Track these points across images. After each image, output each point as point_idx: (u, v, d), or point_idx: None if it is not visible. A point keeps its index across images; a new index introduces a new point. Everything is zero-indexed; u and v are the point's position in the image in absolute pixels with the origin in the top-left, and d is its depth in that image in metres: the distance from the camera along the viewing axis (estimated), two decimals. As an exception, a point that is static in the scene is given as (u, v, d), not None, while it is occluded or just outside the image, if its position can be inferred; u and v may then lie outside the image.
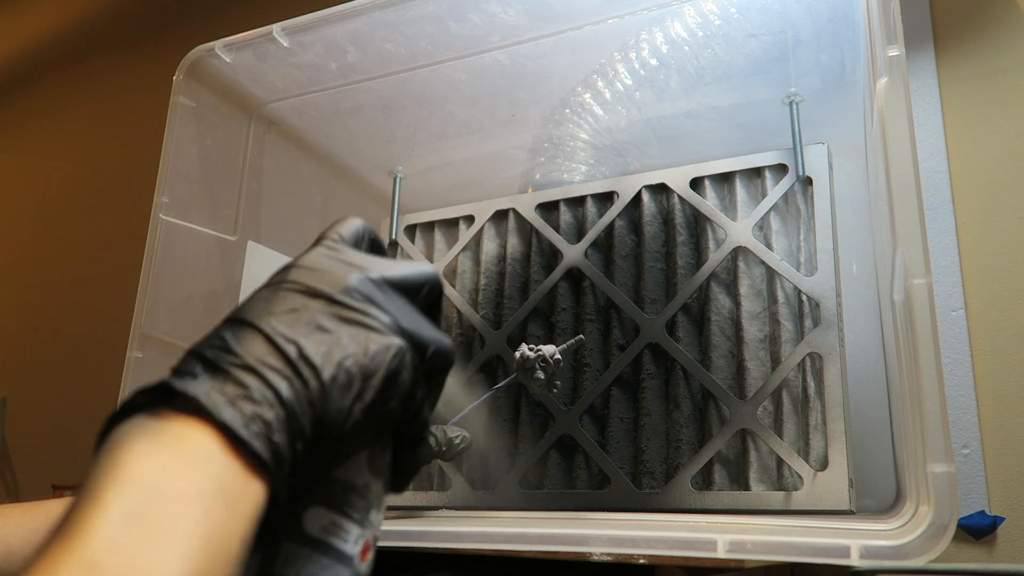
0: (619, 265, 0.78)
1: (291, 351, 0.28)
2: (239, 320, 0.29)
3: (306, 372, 0.27)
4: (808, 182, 0.72)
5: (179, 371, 0.27)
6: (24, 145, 1.82)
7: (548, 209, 0.84)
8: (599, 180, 0.84)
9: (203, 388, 0.26)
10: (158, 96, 0.88)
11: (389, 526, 0.57)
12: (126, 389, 0.74)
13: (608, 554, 0.51)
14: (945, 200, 0.79)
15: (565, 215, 0.82)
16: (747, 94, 0.79)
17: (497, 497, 0.73)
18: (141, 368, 0.75)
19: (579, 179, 0.88)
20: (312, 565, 0.29)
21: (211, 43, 0.80)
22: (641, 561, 0.51)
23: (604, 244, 0.80)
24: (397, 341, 0.30)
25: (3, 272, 1.71)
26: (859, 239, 0.76)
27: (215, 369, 0.27)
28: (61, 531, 0.22)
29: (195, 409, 0.25)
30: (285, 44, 0.78)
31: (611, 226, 0.79)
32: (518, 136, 0.90)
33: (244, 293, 0.85)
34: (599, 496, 0.70)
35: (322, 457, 0.29)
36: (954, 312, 0.76)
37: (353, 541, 0.31)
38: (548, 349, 0.66)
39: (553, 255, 0.82)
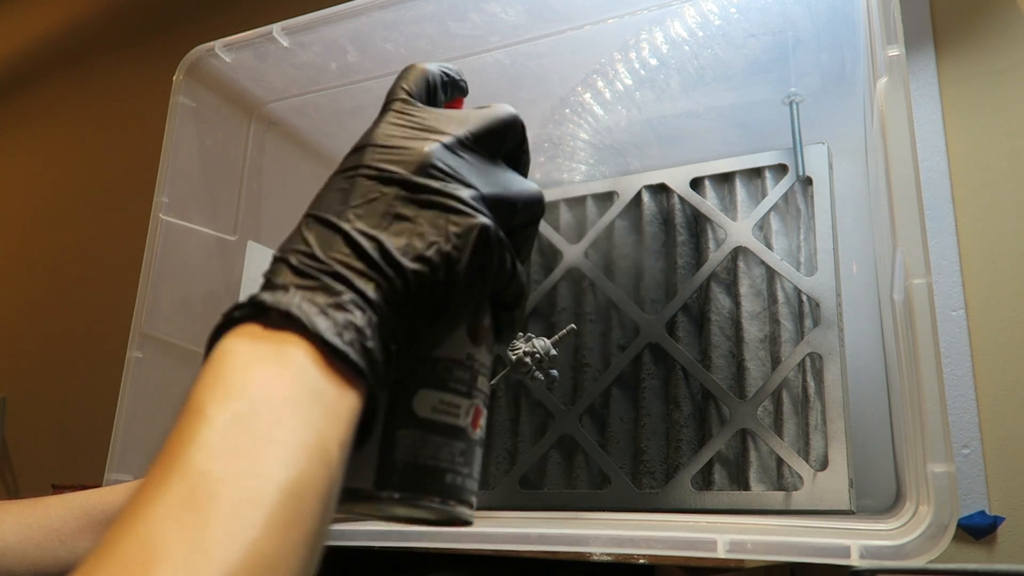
0: (619, 265, 0.78)
1: (372, 250, 0.27)
2: (318, 218, 0.29)
3: (389, 271, 0.27)
4: (808, 182, 0.72)
5: (270, 282, 0.28)
6: (24, 145, 1.82)
7: (548, 209, 0.84)
8: (599, 180, 0.84)
9: (295, 300, 0.26)
10: (158, 96, 0.88)
11: (389, 526, 0.57)
12: (126, 389, 0.74)
13: (608, 554, 0.51)
14: (945, 200, 0.79)
15: (565, 215, 0.82)
16: (747, 94, 0.79)
17: (497, 497, 0.73)
18: (141, 368, 0.75)
19: (579, 179, 0.88)
20: (428, 446, 0.30)
21: (211, 43, 0.80)
22: (641, 561, 0.51)
23: (604, 244, 0.80)
24: (479, 219, 0.29)
25: (3, 272, 1.71)
26: (859, 239, 0.76)
27: (303, 276, 0.27)
28: (168, 444, 0.23)
29: (289, 321, 0.26)
30: (285, 44, 0.77)
31: (611, 226, 0.79)
32: (518, 136, 0.90)
33: (244, 293, 0.85)
34: (599, 496, 0.70)
35: (421, 344, 0.29)
36: (954, 312, 0.76)
37: (464, 414, 0.31)
38: (540, 342, 0.66)
39: (553, 255, 0.82)
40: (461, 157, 0.30)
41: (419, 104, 0.33)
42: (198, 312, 0.82)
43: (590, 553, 0.51)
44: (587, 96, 0.82)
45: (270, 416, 0.23)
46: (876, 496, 0.69)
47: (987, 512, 0.71)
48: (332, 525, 0.25)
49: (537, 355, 0.66)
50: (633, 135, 0.86)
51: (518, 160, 0.34)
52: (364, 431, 0.28)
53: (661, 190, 0.79)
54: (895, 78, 0.52)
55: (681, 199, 0.77)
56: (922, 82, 0.82)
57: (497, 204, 0.30)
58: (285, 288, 0.27)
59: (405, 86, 0.33)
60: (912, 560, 0.43)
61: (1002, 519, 0.71)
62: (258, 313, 0.26)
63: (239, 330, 0.26)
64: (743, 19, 0.70)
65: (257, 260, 0.87)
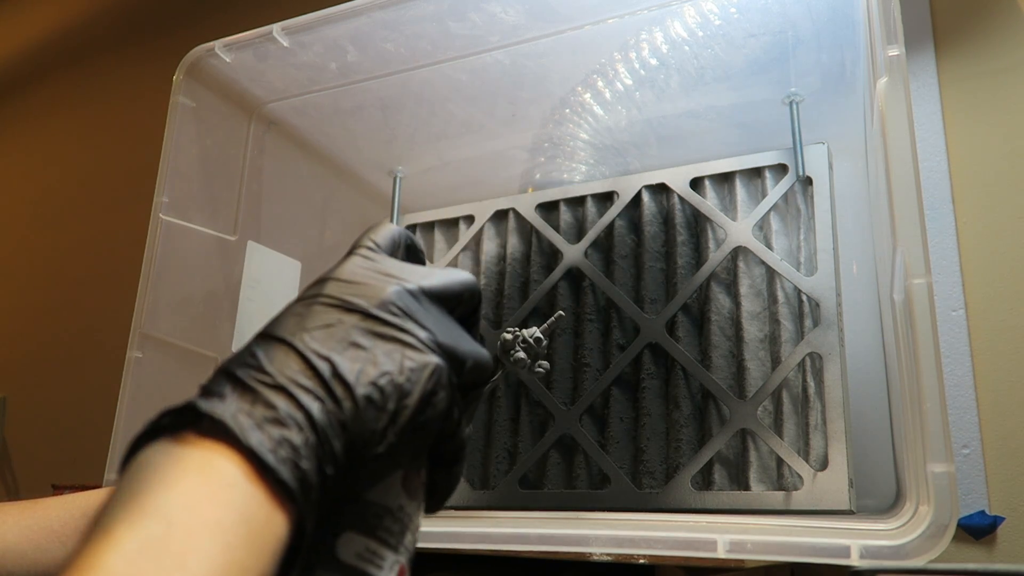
0: (619, 265, 0.78)
1: (324, 369, 0.27)
2: (271, 336, 0.28)
3: (339, 391, 0.27)
4: (808, 182, 0.72)
5: (207, 390, 0.26)
6: (24, 145, 1.82)
7: (548, 209, 0.84)
8: (599, 180, 0.84)
9: (230, 410, 0.25)
10: (158, 96, 0.88)
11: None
12: (126, 389, 0.74)
13: (608, 554, 0.51)
14: (945, 200, 0.79)
15: (565, 215, 0.82)
16: (747, 94, 0.79)
17: (497, 497, 0.73)
18: (141, 368, 0.75)
19: (579, 179, 0.88)
20: None
21: (211, 43, 0.80)
22: (641, 561, 0.51)
23: (604, 244, 0.80)
24: (434, 359, 0.29)
25: (3, 272, 1.71)
26: (859, 239, 0.76)
27: (244, 388, 0.26)
28: (71, 565, 0.21)
29: (221, 432, 0.24)
30: (285, 44, 0.77)
31: (611, 226, 0.79)
32: (518, 136, 0.90)
33: (244, 293, 0.85)
34: (599, 496, 0.70)
35: (355, 479, 0.28)
36: (954, 312, 0.76)
37: (388, 568, 0.30)
38: (527, 331, 0.66)
39: (553, 255, 0.82)
40: (420, 303, 0.31)
41: (383, 255, 0.33)
42: (198, 312, 0.82)
43: (590, 553, 0.51)
44: (587, 96, 0.82)
45: (186, 542, 0.22)
46: (876, 496, 0.69)
47: (987, 512, 0.71)
48: None
49: (524, 342, 0.65)
50: (633, 135, 0.86)
51: (472, 325, 0.35)
52: (287, 565, 0.26)
53: (661, 190, 0.79)
54: (895, 78, 0.52)
55: (681, 199, 0.77)
56: (922, 82, 0.82)
57: (449, 355, 0.30)
58: (222, 397, 0.26)
59: (373, 236, 0.34)
60: (912, 560, 0.43)
61: (1002, 519, 0.71)
62: (189, 421, 0.25)
63: (166, 440, 0.25)
64: (743, 19, 0.70)
65: (257, 260, 0.87)
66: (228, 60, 0.80)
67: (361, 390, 0.27)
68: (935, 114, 0.81)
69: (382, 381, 0.28)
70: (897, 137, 0.51)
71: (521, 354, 0.65)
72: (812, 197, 0.71)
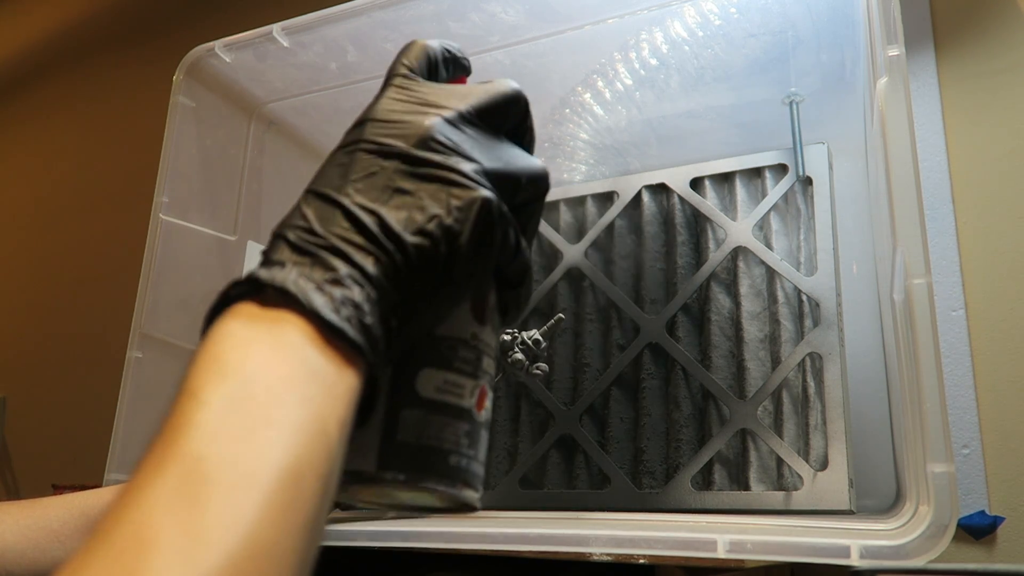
0: (619, 265, 0.78)
1: (372, 224, 0.27)
2: (317, 193, 0.28)
3: (389, 245, 0.27)
4: (808, 182, 0.72)
5: (267, 258, 0.27)
6: (24, 145, 1.82)
7: (548, 209, 0.84)
8: (599, 180, 0.84)
9: (291, 276, 0.25)
10: (158, 96, 0.88)
11: (389, 526, 0.57)
12: (126, 389, 0.74)
13: (608, 554, 0.51)
14: (945, 200, 0.79)
15: (565, 215, 0.82)
16: (747, 94, 0.79)
17: (497, 497, 0.73)
18: (141, 368, 0.75)
19: (579, 179, 0.88)
20: (432, 426, 0.29)
21: (211, 43, 0.80)
22: (641, 561, 0.51)
23: (604, 244, 0.80)
24: (482, 192, 0.28)
25: (3, 272, 1.71)
26: (859, 239, 0.76)
27: (301, 252, 0.26)
28: (163, 428, 0.22)
29: (285, 298, 0.25)
30: (285, 44, 0.77)
31: (611, 226, 0.79)
32: (518, 136, 0.90)
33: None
34: (599, 496, 0.70)
35: (423, 320, 0.28)
36: (954, 312, 0.76)
37: (468, 394, 0.30)
38: (527, 333, 0.66)
39: (553, 255, 0.82)
40: (463, 131, 0.30)
41: (420, 79, 0.32)
42: (198, 312, 0.82)
43: (590, 553, 0.51)
44: (587, 96, 0.82)
45: (266, 397, 0.23)
46: (876, 496, 0.69)
47: (987, 512, 0.71)
48: (334, 513, 0.25)
49: (523, 344, 0.65)
50: (633, 135, 0.86)
51: (522, 136, 0.34)
52: (365, 411, 0.27)
53: (661, 190, 0.79)
54: (895, 78, 0.52)
55: (681, 199, 0.77)
56: (922, 82, 0.82)
57: (500, 179, 0.30)
58: (282, 264, 0.26)
59: (406, 61, 0.33)
60: (912, 560, 0.43)
61: (1002, 519, 0.71)
62: (254, 290, 0.26)
63: (235, 309, 0.26)
64: (743, 19, 0.70)
65: (257, 260, 0.87)
66: (228, 60, 0.80)
67: (410, 239, 0.27)
68: (935, 114, 0.81)
69: (430, 226, 0.27)
70: (897, 137, 0.51)
71: (519, 355, 0.65)
72: (812, 197, 0.71)
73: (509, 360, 0.65)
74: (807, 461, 0.63)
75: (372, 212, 0.27)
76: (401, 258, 0.27)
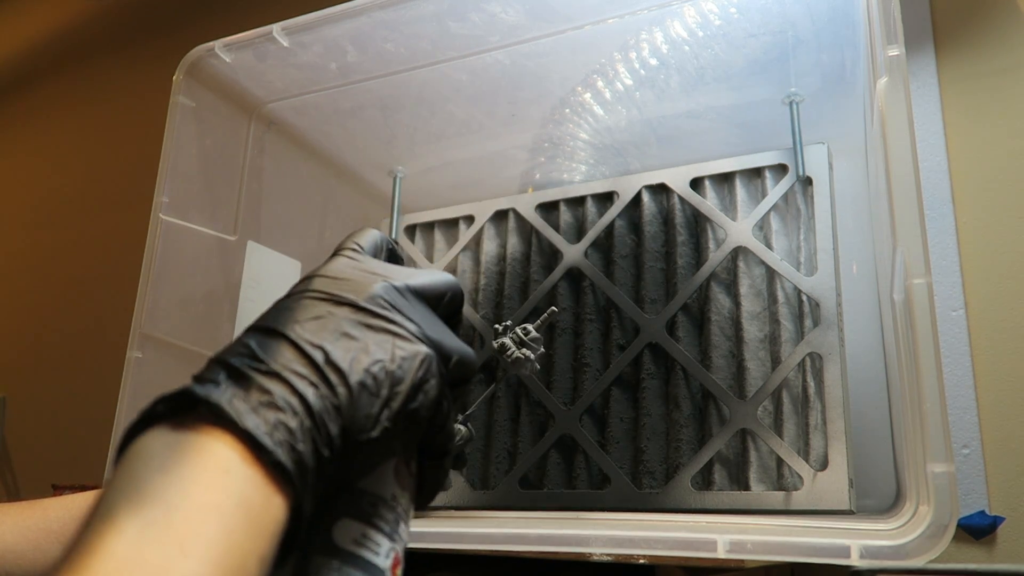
0: (619, 265, 0.78)
1: (318, 357, 0.27)
2: (263, 328, 0.29)
3: (333, 378, 0.27)
4: (808, 182, 0.72)
5: (201, 378, 0.26)
6: (24, 145, 1.82)
7: (548, 209, 0.84)
8: (599, 180, 0.84)
9: (226, 395, 0.25)
10: (158, 96, 0.88)
11: (389, 526, 0.57)
12: (126, 389, 0.74)
13: (608, 554, 0.51)
14: (945, 200, 0.79)
15: (565, 215, 0.82)
16: (747, 94, 0.79)
17: (497, 497, 0.73)
18: (141, 368, 0.75)
19: (579, 179, 0.88)
20: None
21: (211, 43, 0.80)
22: (641, 561, 0.51)
23: (604, 244, 0.80)
24: (424, 348, 0.30)
25: (3, 272, 1.71)
26: (859, 239, 0.76)
27: (239, 376, 0.26)
28: (73, 551, 0.21)
29: (217, 417, 0.25)
30: (285, 44, 0.77)
31: (611, 226, 0.79)
32: (518, 136, 0.90)
33: (244, 293, 0.85)
34: (599, 496, 0.70)
35: (350, 466, 0.28)
36: (954, 312, 0.76)
37: (384, 554, 0.30)
38: (522, 329, 0.66)
39: (553, 255, 0.82)
40: (406, 299, 0.32)
41: (367, 256, 0.34)
42: (198, 312, 0.82)
43: (590, 553, 0.51)
44: (587, 96, 0.82)
45: (186, 525, 0.22)
46: (876, 496, 0.69)
47: (987, 512, 0.71)
48: None
49: (521, 342, 0.65)
50: (633, 135, 0.86)
51: (454, 324, 0.35)
52: (285, 549, 0.26)
53: (661, 190, 0.79)
54: (895, 78, 0.52)
55: (681, 199, 0.77)
56: (922, 82, 0.82)
57: (436, 348, 0.31)
58: (216, 383, 0.26)
59: (356, 239, 0.35)
60: (912, 560, 0.43)
61: (1002, 519, 0.71)
62: (184, 407, 0.25)
63: (162, 427, 0.25)
64: (743, 19, 0.70)
65: (257, 260, 0.87)
66: (228, 60, 0.80)
67: (355, 376, 0.28)
68: (935, 114, 0.81)
69: (375, 368, 0.28)
70: (897, 137, 0.51)
71: (526, 352, 0.65)
72: (812, 197, 0.71)
73: (511, 359, 0.65)
74: (807, 461, 0.63)
75: (319, 347, 0.28)
76: (344, 392, 0.27)
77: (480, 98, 0.85)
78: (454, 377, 0.32)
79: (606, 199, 0.81)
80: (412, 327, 0.31)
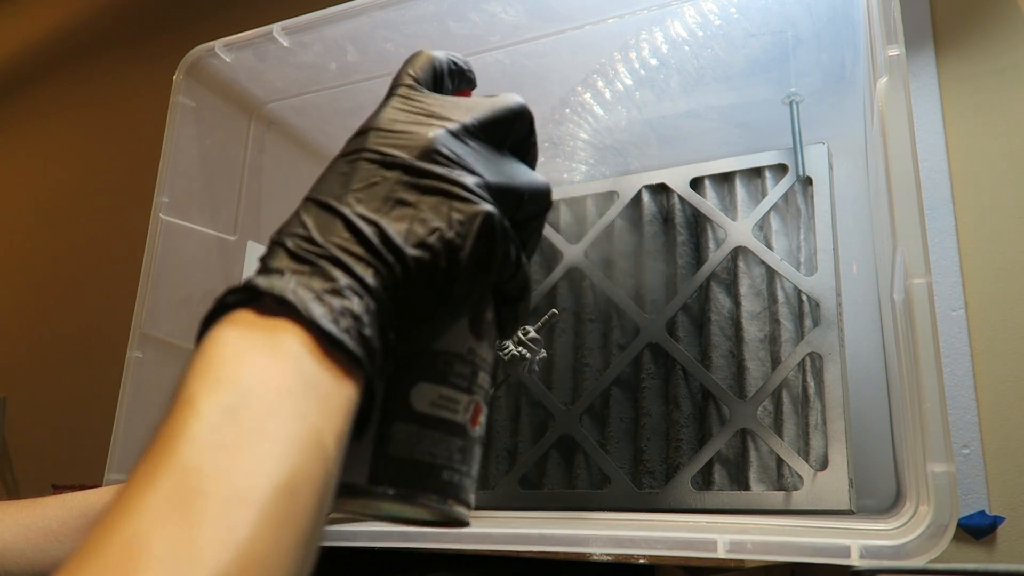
0: (619, 265, 0.78)
1: (372, 235, 0.27)
2: (317, 201, 0.28)
3: (390, 257, 0.26)
4: (808, 182, 0.72)
5: (265, 266, 0.27)
6: (24, 145, 1.82)
7: (548, 209, 0.84)
8: (599, 180, 0.84)
9: (290, 285, 0.25)
10: (158, 96, 0.88)
11: (389, 527, 0.57)
12: (126, 389, 0.74)
13: (608, 554, 0.51)
14: (945, 200, 0.79)
15: (565, 215, 0.82)
16: (747, 94, 0.79)
17: (497, 497, 0.73)
18: (141, 368, 0.75)
19: (579, 179, 0.88)
20: (425, 441, 0.29)
21: (211, 43, 0.80)
22: (641, 561, 0.51)
23: (604, 244, 0.80)
24: (484, 207, 0.28)
25: (3, 272, 1.71)
26: (859, 239, 0.76)
27: (300, 261, 0.26)
28: (157, 437, 0.22)
29: (283, 307, 0.25)
30: (285, 44, 0.77)
31: (611, 226, 0.79)
32: (518, 136, 0.89)
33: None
34: (599, 496, 0.70)
35: (420, 335, 0.28)
36: (954, 312, 0.76)
37: (463, 409, 0.30)
38: (523, 332, 0.66)
39: (553, 255, 0.82)
40: (466, 144, 0.30)
41: (425, 90, 0.32)
42: (198, 312, 0.82)
43: (590, 553, 0.51)
44: (587, 96, 0.82)
45: (262, 408, 0.22)
46: (876, 496, 0.69)
47: (987, 512, 0.71)
48: (327, 524, 0.24)
49: (520, 342, 0.65)
50: (633, 135, 0.86)
51: (525, 151, 0.33)
52: (361, 424, 0.27)
53: (661, 190, 0.79)
54: (895, 78, 0.52)
55: (681, 199, 0.77)
56: (922, 82, 0.82)
57: (502, 194, 0.30)
58: (280, 272, 0.26)
59: (412, 72, 0.32)
60: (912, 560, 0.43)
61: (1002, 519, 0.71)
62: (252, 298, 0.25)
63: (232, 316, 0.25)
64: (743, 19, 0.70)
65: (256, 260, 0.87)
66: (228, 60, 0.80)
67: (411, 251, 0.27)
68: (935, 114, 0.81)
69: (431, 239, 0.27)
70: (897, 137, 0.51)
71: (523, 352, 0.65)
72: (812, 197, 0.71)
73: (507, 359, 0.65)
74: (807, 461, 0.63)
75: (373, 223, 0.27)
76: (401, 270, 0.27)
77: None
78: (528, 213, 0.31)
79: (606, 199, 0.81)
80: (471, 181, 0.28)
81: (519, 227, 0.31)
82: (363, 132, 0.30)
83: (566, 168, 0.88)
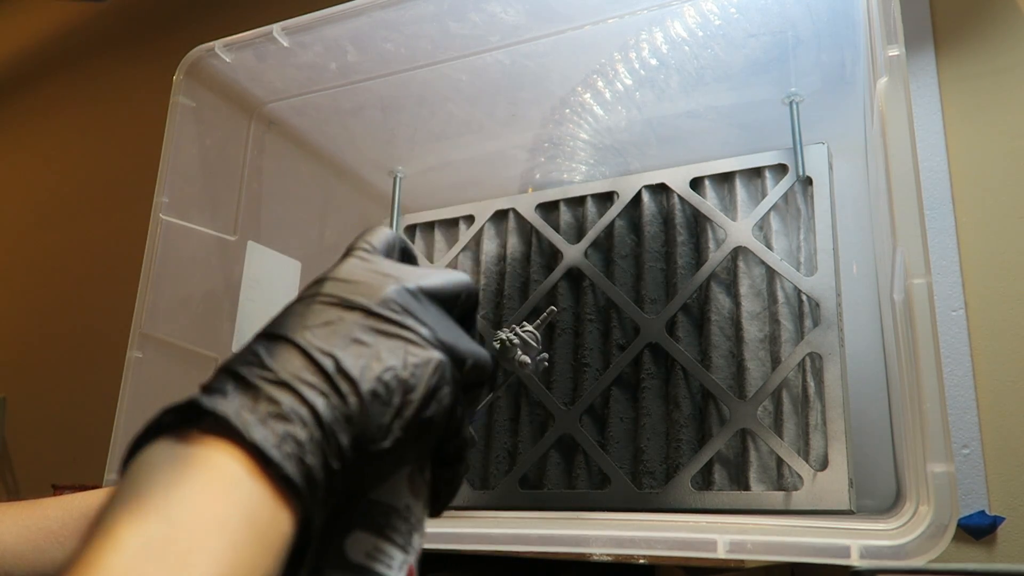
0: (619, 265, 0.78)
1: (328, 365, 0.27)
2: (272, 335, 0.28)
3: (344, 387, 0.26)
4: (808, 182, 0.72)
5: (209, 388, 0.26)
6: (24, 145, 1.82)
7: (548, 209, 0.84)
8: (599, 180, 0.84)
9: (233, 406, 0.25)
10: (158, 96, 0.88)
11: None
12: (126, 389, 0.74)
13: (608, 554, 0.51)
14: (945, 200, 0.79)
15: (565, 215, 0.82)
16: (747, 94, 0.79)
17: (497, 497, 0.73)
18: (141, 368, 0.75)
19: (579, 179, 0.88)
20: None
21: (211, 43, 0.80)
22: (641, 561, 0.51)
23: (604, 244, 0.80)
24: (437, 355, 0.29)
25: (3, 272, 1.71)
26: (859, 239, 0.76)
27: (247, 385, 0.26)
28: (72, 565, 0.21)
29: (224, 428, 0.24)
30: (285, 44, 0.77)
31: (611, 226, 0.79)
32: (518, 136, 0.90)
33: (244, 293, 0.85)
34: (599, 496, 0.70)
35: (361, 478, 0.28)
36: (954, 312, 0.76)
37: (397, 567, 0.29)
38: (524, 330, 0.66)
39: (553, 255, 0.82)
40: (419, 302, 0.31)
41: (379, 256, 0.33)
42: (198, 312, 0.82)
43: (590, 553, 0.51)
44: (587, 96, 0.82)
45: (189, 542, 0.21)
46: (876, 496, 0.69)
47: (987, 512, 0.71)
48: None
49: (522, 341, 0.65)
50: (633, 135, 0.86)
51: (469, 325, 0.34)
52: (293, 567, 0.26)
53: (661, 190, 0.79)
54: (895, 78, 0.52)
55: (681, 199, 0.77)
56: (922, 82, 0.82)
57: (450, 353, 0.30)
58: (224, 394, 0.25)
59: (368, 239, 0.34)
60: (912, 560, 0.43)
61: (1002, 519, 0.71)
62: (191, 419, 0.25)
63: (168, 438, 0.24)
64: (743, 19, 0.70)
65: (257, 260, 0.87)
66: (228, 60, 0.80)
67: (366, 385, 0.27)
68: (935, 114, 0.81)
69: (387, 376, 0.28)
70: (897, 137, 0.51)
71: (524, 358, 0.65)
72: (812, 197, 0.71)
73: (516, 362, 0.65)
74: (807, 461, 0.63)
75: (329, 355, 0.27)
76: (355, 401, 0.26)
77: (480, 98, 0.85)
78: (469, 381, 0.32)
79: (606, 199, 0.81)
80: (425, 332, 0.30)
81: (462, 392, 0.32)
82: (320, 281, 0.31)
83: (566, 168, 0.88)
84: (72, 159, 1.68)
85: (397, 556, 0.30)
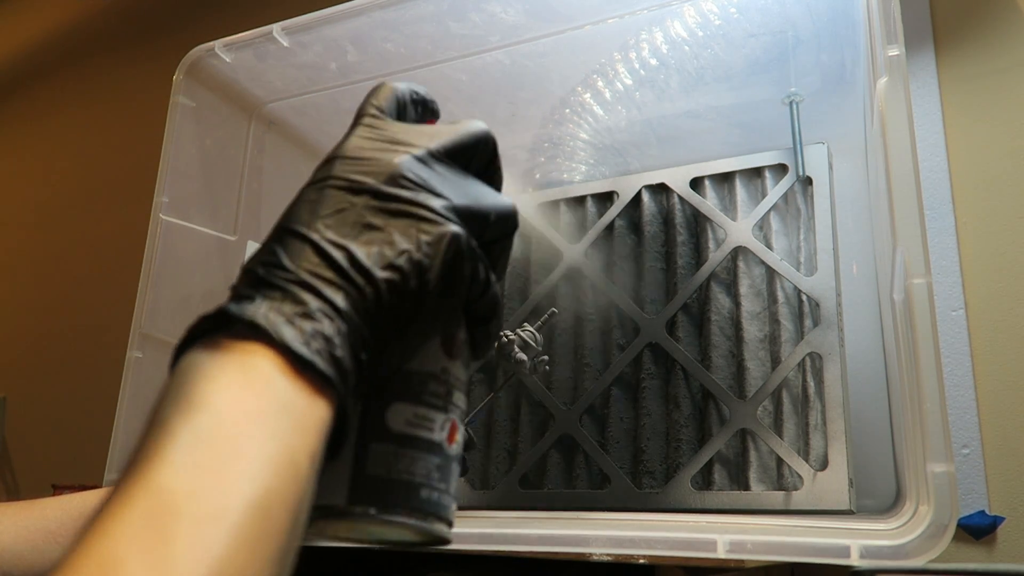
0: (619, 265, 0.78)
1: (341, 259, 0.27)
2: (287, 229, 0.28)
3: (359, 279, 0.27)
4: (808, 182, 0.72)
5: (236, 293, 0.27)
6: (24, 145, 1.82)
7: (548, 209, 0.84)
8: (599, 180, 0.84)
9: (261, 310, 0.26)
10: (158, 96, 0.88)
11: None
12: (126, 389, 0.74)
13: (608, 554, 0.51)
14: (945, 200, 0.79)
15: (565, 215, 0.82)
16: (747, 94, 0.79)
17: (497, 497, 0.73)
18: (141, 368, 0.75)
19: (579, 179, 0.88)
20: (403, 460, 0.29)
21: (211, 43, 0.80)
22: (641, 561, 0.51)
23: (604, 244, 0.80)
24: (451, 228, 0.29)
25: (3, 272, 1.71)
26: (859, 239, 0.76)
27: (271, 287, 0.27)
28: (132, 460, 0.22)
29: (255, 332, 0.25)
30: (285, 44, 0.77)
31: (611, 226, 0.79)
32: (518, 136, 0.90)
33: (244, 293, 0.85)
34: (599, 496, 0.70)
35: (393, 355, 0.29)
36: (954, 312, 0.76)
37: (439, 428, 0.31)
38: (524, 331, 0.66)
39: (553, 255, 0.82)
40: (432, 168, 0.30)
41: (389, 119, 0.33)
42: (198, 312, 0.82)
43: (590, 553, 0.51)
44: (587, 96, 0.82)
45: (235, 430, 0.23)
46: (876, 496, 0.69)
47: (987, 512, 0.71)
48: (304, 543, 0.25)
49: (522, 342, 0.65)
50: (633, 135, 0.86)
51: (490, 175, 0.34)
52: (336, 445, 0.27)
53: (661, 190, 0.79)
54: (895, 78, 0.52)
55: (681, 199, 0.77)
56: (922, 82, 0.82)
57: (469, 215, 0.30)
58: (251, 298, 0.26)
59: (375, 102, 0.33)
60: (912, 560, 0.43)
61: (1002, 519, 0.71)
62: (223, 325, 0.26)
63: (204, 343, 0.26)
64: (743, 19, 0.70)
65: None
66: (228, 60, 0.80)
67: (380, 274, 0.27)
68: (935, 114, 0.81)
69: (400, 261, 0.28)
70: (897, 137, 0.51)
71: (521, 355, 0.65)
72: (812, 197, 0.71)
73: (513, 361, 0.65)
74: (807, 461, 0.63)
75: (342, 247, 0.28)
76: (371, 292, 0.27)
77: (480, 98, 0.85)
78: (495, 234, 0.32)
79: (606, 199, 0.81)
80: (438, 204, 0.29)
81: (487, 248, 0.32)
82: (329, 160, 0.31)
83: (566, 168, 0.88)
84: (72, 159, 1.68)
85: (437, 418, 0.31)
